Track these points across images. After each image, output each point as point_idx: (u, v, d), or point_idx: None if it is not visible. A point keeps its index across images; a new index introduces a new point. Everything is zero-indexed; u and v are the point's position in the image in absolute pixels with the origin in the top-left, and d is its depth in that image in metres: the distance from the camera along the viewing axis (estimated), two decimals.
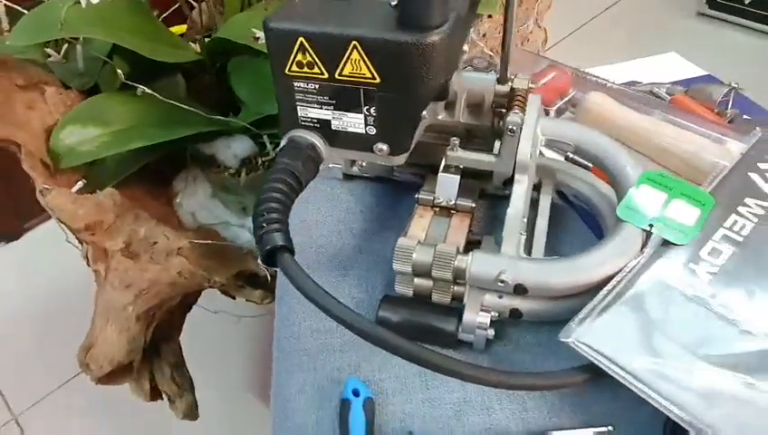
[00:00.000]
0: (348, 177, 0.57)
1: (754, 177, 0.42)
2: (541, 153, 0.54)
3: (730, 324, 0.34)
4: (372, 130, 0.40)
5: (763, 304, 0.35)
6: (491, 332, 0.40)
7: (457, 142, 0.45)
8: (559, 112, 0.60)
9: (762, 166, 0.43)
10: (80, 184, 0.65)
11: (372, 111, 0.39)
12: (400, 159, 0.42)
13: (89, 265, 0.71)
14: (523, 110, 0.44)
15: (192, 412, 0.77)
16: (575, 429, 0.37)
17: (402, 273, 0.42)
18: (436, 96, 0.42)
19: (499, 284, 0.39)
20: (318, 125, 0.41)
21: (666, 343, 0.34)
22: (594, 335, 0.35)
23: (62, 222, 0.65)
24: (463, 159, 0.45)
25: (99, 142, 0.67)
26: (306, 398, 0.40)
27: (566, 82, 0.61)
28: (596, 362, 0.34)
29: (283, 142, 0.42)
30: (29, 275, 1.29)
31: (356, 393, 0.38)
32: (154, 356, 0.76)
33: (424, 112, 0.41)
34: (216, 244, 0.77)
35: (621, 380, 0.33)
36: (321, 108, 0.40)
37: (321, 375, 0.41)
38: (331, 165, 0.57)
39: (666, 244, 0.39)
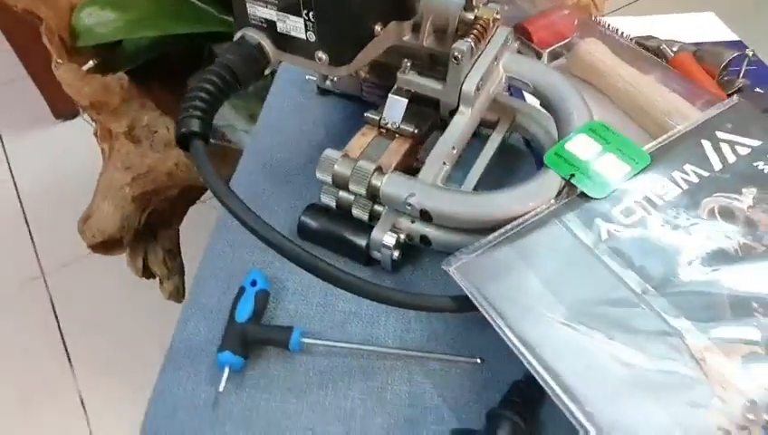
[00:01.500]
0: (322, 91, 0.57)
1: (705, 144, 0.39)
2: (511, 93, 0.53)
3: (610, 285, 0.33)
4: (312, 37, 0.40)
5: (636, 274, 0.33)
6: (396, 253, 0.41)
7: (409, 64, 0.45)
8: (553, 56, 0.57)
9: (720, 134, 0.39)
10: (90, 63, 0.69)
11: (311, 15, 0.39)
12: (341, 71, 0.42)
13: (98, 143, 0.77)
14: (480, 39, 0.43)
15: (177, 295, 0.84)
16: (446, 354, 0.38)
17: (324, 182, 0.43)
18: (392, 14, 0.41)
19: (407, 206, 0.39)
20: (266, 26, 0.42)
21: (542, 291, 0.34)
22: (473, 269, 0.35)
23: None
24: (411, 82, 0.45)
25: (114, 26, 0.70)
26: (216, 281, 0.43)
27: (568, 26, 0.57)
28: (469, 293, 0.34)
29: (234, 39, 0.43)
30: (81, 151, 1.39)
31: (253, 284, 0.40)
32: (150, 239, 0.82)
33: (378, 28, 0.41)
34: (218, 144, 0.80)
35: (487, 316, 0.33)
36: (267, 7, 0.40)
37: (236, 265, 0.44)
38: (307, 77, 0.58)
39: (583, 196, 0.37)
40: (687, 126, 0.41)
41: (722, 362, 0.30)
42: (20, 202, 1.35)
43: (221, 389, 0.36)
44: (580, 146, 0.39)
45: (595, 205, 0.37)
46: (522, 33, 0.57)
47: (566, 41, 0.56)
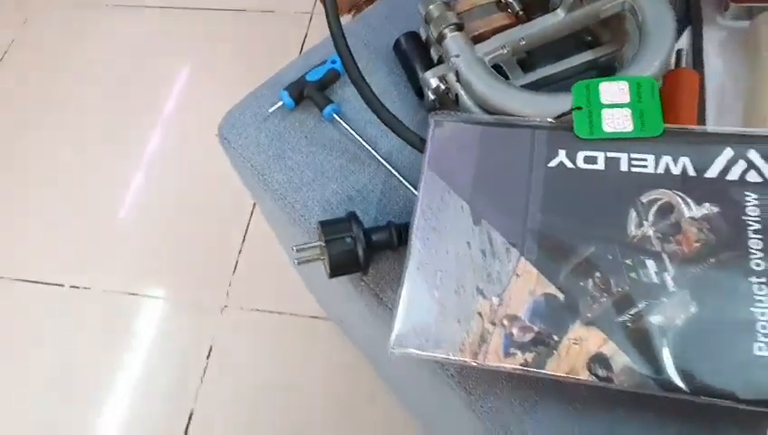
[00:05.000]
0: None
1: (728, 152, 0.37)
2: None
3: (513, 201, 0.39)
4: None
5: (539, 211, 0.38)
6: (433, 96, 0.49)
7: None
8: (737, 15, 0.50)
9: (752, 154, 0.37)
10: None
11: None
12: None
13: None
14: None
15: None
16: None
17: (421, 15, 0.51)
18: None
19: (451, 62, 0.46)
20: None
21: (471, 176, 0.41)
22: (445, 130, 0.43)
23: None
24: None
25: None
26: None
27: None
28: (428, 141, 0.43)
29: None
30: None
31: (333, 62, 0.53)
32: None
33: None
34: None
35: (423, 166, 0.42)
36: None
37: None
38: None
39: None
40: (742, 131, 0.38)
41: (525, 286, 0.36)
42: None
43: (270, 111, 0.52)
44: (613, 91, 0.41)
45: (572, 139, 0.40)
46: None
47: None
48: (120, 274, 1.11)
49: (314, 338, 1.01)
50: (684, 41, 0.52)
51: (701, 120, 0.48)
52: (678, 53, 0.50)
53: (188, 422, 0.96)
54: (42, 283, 1.11)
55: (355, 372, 0.94)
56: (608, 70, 0.49)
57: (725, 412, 0.32)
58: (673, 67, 0.49)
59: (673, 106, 0.46)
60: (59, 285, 1.10)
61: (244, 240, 1.11)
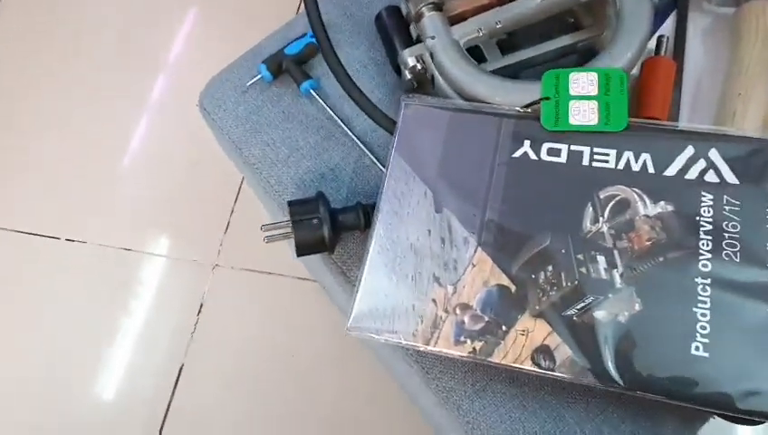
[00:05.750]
0: None
1: (689, 150, 0.37)
2: None
3: (472, 188, 0.39)
4: None
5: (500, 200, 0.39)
6: (410, 75, 0.48)
7: None
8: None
9: (713, 155, 0.37)
10: None
11: None
12: None
13: None
14: None
15: None
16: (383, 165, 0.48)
17: None
18: None
19: (427, 43, 0.46)
20: None
21: (436, 155, 0.41)
22: (418, 114, 0.43)
23: None
24: None
25: None
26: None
27: None
28: (398, 126, 0.43)
29: None
30: None
31: (312, 36, 0.52)
32: None
33: None
34: None
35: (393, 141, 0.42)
36: None
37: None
38: None
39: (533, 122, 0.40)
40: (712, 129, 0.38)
41: (480, 276, 0.37)
42: None
43: (248, 84, 0.52)
44: (583, 81, 0.41)
45: (538, 130, 0.40)
46: None
47: None
48: (115, 229, 1.13)
49: (302, 299, 1.03)
50: (668, 26, 0.51)
51: (675, 110, 0.47)
52: (660, 39, 0.49)
53: (178, 377, 0.99)
54: (38, 235, 1.13)
55: (340, 332, 0.97)
56: (588, 55, 0.49)
57: (664, 405, 0.34)
58: (654, 54, 0.48)
59: (647, 95, 0.46)
60: (55, 238, 1.12)
61: (236, 200, 1.12)
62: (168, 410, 0.98)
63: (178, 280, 1.08)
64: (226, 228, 1.11)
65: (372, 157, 0.49)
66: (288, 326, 1.01)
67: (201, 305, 1.04)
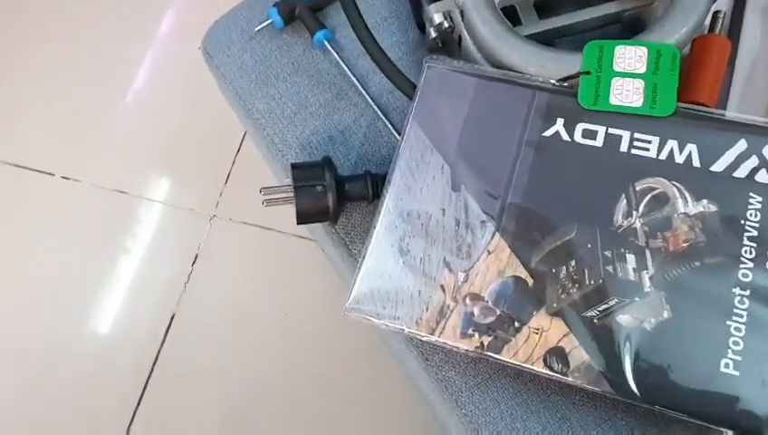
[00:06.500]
0: None
1: (741, 144, 0.33)
2: None
3: (492, 165, 0.36)
4: None
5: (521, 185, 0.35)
6: (435, 33, 0.44)
7: None
8: None
9: None
10: None
11: None
12: None
13: None
14: None
15: None
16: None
17: None
18: None
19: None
20: None
21: (457, 127, 0.37)
22: (441, 77, 0.39)
23: None
24: None
25: None
26: None
27: None
28: (419, 90, 0.39)
29: None
30: None
31: None
32: None
33: None
34: None
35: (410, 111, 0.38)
36: None
37: None
38: None
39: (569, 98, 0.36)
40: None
41: (495, 265, 0.33)
42: None
43: (257, 29, 0.48)
44: (630, 57, 0.36)
45: (574, 107, 0.36)
46: None
47: None
48: (112, 170, 1.09)
49: (300, 258, 1.00)
50: (725, 1, 0.46)
51: (724, 96, 0.43)
52: (715, 15, 0.44)
53: (169, 325, 0.98)
54: (32, 169, 1.10)
55: (336, 294, 0.95)
56: (634, 27, 0.44)
57: (678, 418, 0.31)
58: (706, 32, 0.44)
59: (696, 78, 0.42)
60: (49, 174, 1.09)
61: (238, 151, 1.08)
62: (156, 359, 0.97)
63: (174, 228, 1.05)
64: (227, 179, 1.07)
65: (387, 121, 0.45)
66: (283, 284, 0.99)
67: (196, 256, 1.02)
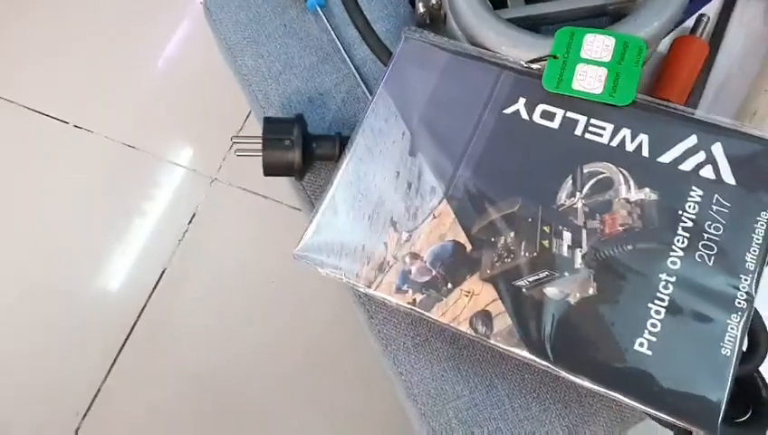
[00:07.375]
0: None
1: (691, 139, 0.34)
2: None
3: (454, 140, 0.37)
4: None
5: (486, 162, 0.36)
6: (423, 9, 0.45)
7: None
8: None
9: (716, 149, 0.34)
10: None
11: None
12: None
13: None
14: None
15: None
16: None
17: None
18: None
19: None
20: None
21: (425, 98, 0.38)
22: (417, 49, 0.40)
23: None
24: None
25: None
26: None
27: None
28: (394, 59, 0.40)
29: None
30: None
31: None
32: None
33: None
34: None
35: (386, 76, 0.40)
36: None
37: None
38: None
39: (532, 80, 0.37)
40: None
41: (438, 229, 0.35)
42: None
43: None
44: (598, 45, 0.37)
45: (537, 89, 0.37)
46: None
47: None
48: (124, 125, 1.12)
49: (293, 228, 1.03)
50: (714, 6, 0.46)
51: (696, 98, 0.44)
52: (699, 18, 0.45)
53: (159, 279, 1.01)
54: (48, 115, 1.13)
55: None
56: (620, 20, 0.45)
57: (601, 398, 0.32)
58: (689, 33, 0.44)
59: (668, 76, 0.43)
60: (64, 122, 1.12)
61: (247, 118, 1.10)
62: (141, 311, 1.00)
63: (175, 186, 1.08)
64: (231, 145, 1.10)
65: (365, 88, 0.46)
66: (273, 252, 1.01)
67: (194, 215, 1.05)
